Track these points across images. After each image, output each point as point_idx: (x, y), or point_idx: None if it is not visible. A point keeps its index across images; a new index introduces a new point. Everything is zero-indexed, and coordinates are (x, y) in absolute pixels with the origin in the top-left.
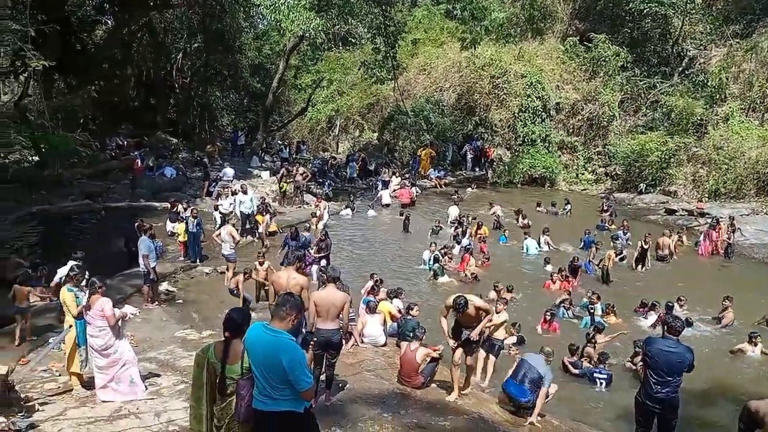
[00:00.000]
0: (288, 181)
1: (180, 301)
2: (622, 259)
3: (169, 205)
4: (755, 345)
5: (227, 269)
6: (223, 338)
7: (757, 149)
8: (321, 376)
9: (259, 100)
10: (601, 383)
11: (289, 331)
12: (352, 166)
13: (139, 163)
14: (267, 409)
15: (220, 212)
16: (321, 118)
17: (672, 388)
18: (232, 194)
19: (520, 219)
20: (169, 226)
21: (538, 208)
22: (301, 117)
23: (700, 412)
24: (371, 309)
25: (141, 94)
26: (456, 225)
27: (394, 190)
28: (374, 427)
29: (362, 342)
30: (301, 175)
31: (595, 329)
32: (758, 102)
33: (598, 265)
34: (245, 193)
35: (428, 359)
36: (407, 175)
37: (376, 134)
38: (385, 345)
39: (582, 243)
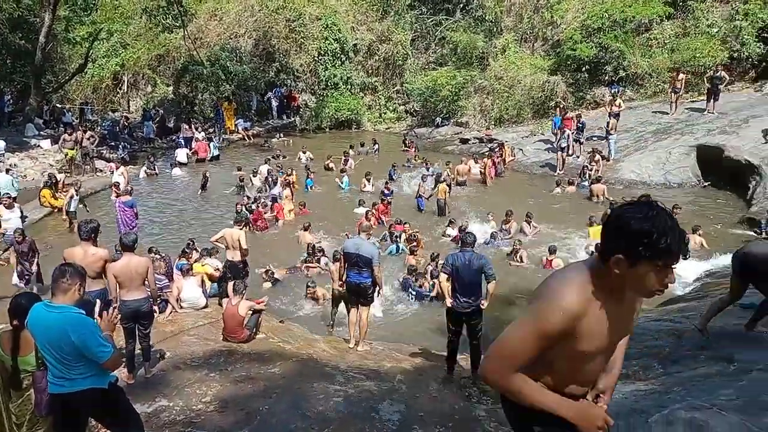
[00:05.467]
0: (75, 147)
1: None
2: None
3: None
4: (520, 248)
5: (11, 256)
6: (10, 328)
7: (530, 77)
8: (137, 351)
9: (26, 59)
10: (411, 296)
11: (76, 302)
12: (149, 124)
13: None
14: (66, 392)
15: None
16: (105, 74)
17: (475, 294)
18: (7, 170)
19: (330, 163)
20: None
21: (350, 150)
22: (81, 75)
23: (500, 312)
24: (185, 272)
25: None
26: (266, 179)
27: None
28: (201, 389)
29: (181, 308)
30: (89, 139)
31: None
32: (528, 33)
33: (428, 198)
34: None
35: (251, 312)
36: (211, 130)
37: (171, 88)
38: (206, 306)
39: (388, 176)
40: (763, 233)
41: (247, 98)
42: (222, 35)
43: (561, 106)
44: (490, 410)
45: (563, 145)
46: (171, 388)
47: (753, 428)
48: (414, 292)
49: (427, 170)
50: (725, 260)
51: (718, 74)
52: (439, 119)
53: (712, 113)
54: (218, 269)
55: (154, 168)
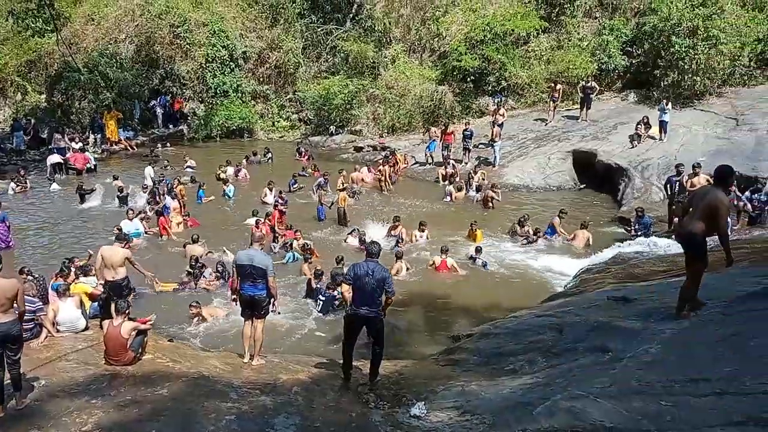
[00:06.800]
0: None
1: None
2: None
3: None
4: (400, 260)
5: None
6: None
7: (420, 86)
8: (6, 380)
9: None
10: (319, 303)
11: None
12: (19, 135)
13: None
14: None
15: None
16: None
17: (375, 303)
18: None
19: (221, 173)
20: None
21: (245, 161)
22: None
23: (394, 319)
24: (62, 293)
25: None
26: (151, 187)
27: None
28: (81, 417)
29: (58, 331)
30: None
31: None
32: (416, 44)
33: (330, 207)
34: None
35: (135, 332)
36: (89, 140)
37: (44, 96)
38: (86, 329)
39: (288, 185)
40: (632, 230)
41: (129, 106)
42: (100, 40)
43: (431, 130)
44: (386, 414)
45: (449, 161)
46: (46, 418)
47: (624, 413)
48: (323, 298)
49: (324, 180)
50: (601, 257)
51: (589, 84)
52: (333, 128)
53: (585, 121)
54: (96, 287)
55: (25, 182)
